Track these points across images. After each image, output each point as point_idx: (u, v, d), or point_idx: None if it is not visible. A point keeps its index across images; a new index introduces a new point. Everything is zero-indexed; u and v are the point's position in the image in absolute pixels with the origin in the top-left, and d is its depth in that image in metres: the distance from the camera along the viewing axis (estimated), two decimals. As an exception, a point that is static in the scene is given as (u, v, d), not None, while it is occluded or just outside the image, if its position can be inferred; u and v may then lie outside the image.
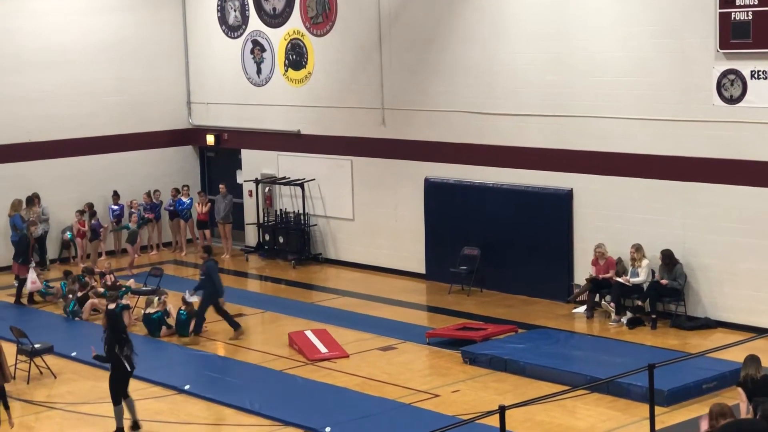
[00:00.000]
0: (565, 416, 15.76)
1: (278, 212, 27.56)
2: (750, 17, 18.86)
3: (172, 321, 20.90)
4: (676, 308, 20.23)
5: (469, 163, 23.39)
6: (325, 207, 26.69)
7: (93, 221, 27.14)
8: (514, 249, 22.72)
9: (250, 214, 28.46)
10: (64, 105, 27.66)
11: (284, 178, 27.31)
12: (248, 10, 27.99)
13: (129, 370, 15.67)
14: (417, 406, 16.41)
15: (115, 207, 28.11)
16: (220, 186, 28.21)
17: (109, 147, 28.47)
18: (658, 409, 13.83)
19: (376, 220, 25.56)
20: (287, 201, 27.40)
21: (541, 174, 22.22)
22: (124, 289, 22.53)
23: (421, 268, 24.56)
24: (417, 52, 24.20)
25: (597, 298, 21.00)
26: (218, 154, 29.84)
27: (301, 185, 26.78)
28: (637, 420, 15.11)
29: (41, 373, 18.63)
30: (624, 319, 20.26)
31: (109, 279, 23.20)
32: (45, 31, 27.42)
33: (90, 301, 22.21)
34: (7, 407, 15.23)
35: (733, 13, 19.01)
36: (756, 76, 18.94)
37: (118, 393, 15.68)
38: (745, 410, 13.29)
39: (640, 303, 20.52)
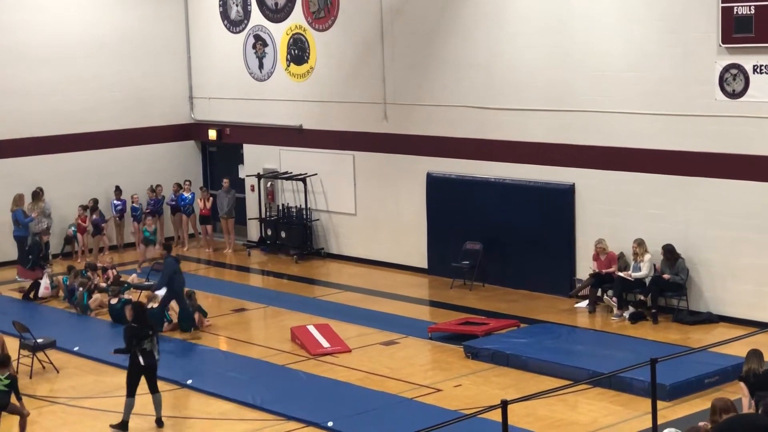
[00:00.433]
0: (567, 411, 15.77)
1: (280, 207, 27.56)
2: (752, 12, 18.85)
3: (174, 316, 20.90)
4: (678, 303, 20.24)
5: (472, 157, 23.39)
6: (327, 202, 26.69)
7: (95, 216, 27.14)
8: (516, 244, 22.72)
9: (252, 209, 28.47)
10: (65, 100, 27.66)
11: (286, 172, 27.31)
12: (250, 5, 27.98)
13: (142, 364, 15.65)
14: (419, 401, 16.43)
15: (118, 202, 28.12)
16: (224, 181, 28.21)
17: (111, 142, 28.48)
18: (660, 404, 13.82)
19: (378, 214, 25.56)
20: (289, 196, 27.40)
21: (543, 169, 22.21)
22: (126, 285, 22.55)
23: (423, 263, 24.57)
24: (419, 47, 24.19)
25: (599, 293, 21.00)
26: (220, 149, 29.84)
27: (303, 180, 26.78)
28: (639, 414, 15.11)
29: (44, 367, 18.65)
30: (626, 314, 20.27)
31: (111, 274, 23.21)
32: (47, 26, 27.41)
33: (95, 296, 22.23)
34: (19, 398, 15.25)
35: (735, 8, 18.99)
36: (758, 70, 18.93)
37: (132, 385, 15.69)
38: (747, 405, 13.30)
39: (642, 298, 20.51)
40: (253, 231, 28.53)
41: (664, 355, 14.41)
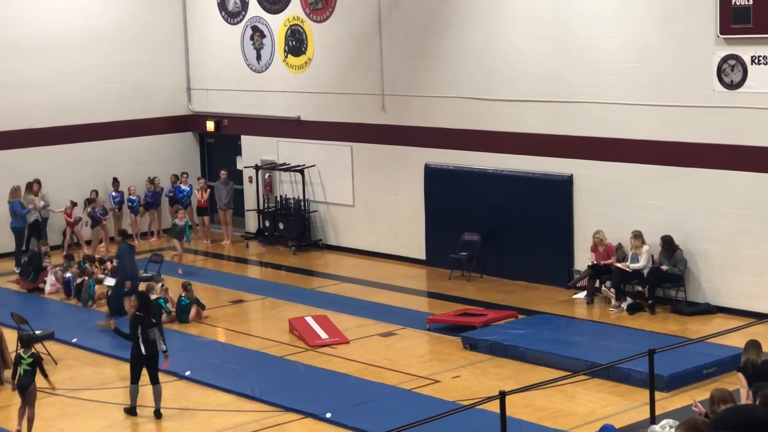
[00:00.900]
0: (566, 402, 15.79)
1: (278, 198, 27.56)
2: (750, 2, 18.83)
3: (172, 307, 20.91)
4: (677, 294, 20.25)
5: (470, 149, 23.39)
6: (326, 193, 26.69)
7: (89, 209, 27.07)
8: (515, 235, 22.73)
9: (250, 201, 28.46)
10: (63, 91, 27.63)
11: (284, 164, 27.30)
12: (248, -4, 27.99)
13: (143, 353, 15.76)
14: (417, 392, 16.44)
15: (115, 194, 28.10)
16: (222, 172, 28.21)
17: (109, 133, 28.46)
18: (658, 395, 13.85)
19: (377, 206, 25.56)
20: (287, 187, 27.39)
21: (541, 160, 22.21)
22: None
23: (421, 254, 24.58)
24: (417, 38, 24.17)
25: (597, 284, 21.02)
26: (218, 140, 29.83)
27: (301, 171, 26.77)
28: (638, 405, 15.13)
29: (42, 359, 18.62)
30: (624, 305, 20.29)
31: (110, 265, 23.19)
32: (44, 17, 27.38)
33: (96, 287, 22.24)
34: (45, 375, 15.59)
35: (733, -1, 19.01)
36: (756, 61, 18.92)
37: (135, 372, 15.86)
38: (745, 395, 13.31)
39: (640, 289, 20.54)
40: (251, 222, 28.53)
41: (662, 345, 14.43)
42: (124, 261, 21.00)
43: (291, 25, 27.00)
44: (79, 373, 18.09)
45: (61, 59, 27.57)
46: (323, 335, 19.31)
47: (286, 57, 27.23)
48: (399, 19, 24.47)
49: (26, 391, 15.21)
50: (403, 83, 24.56)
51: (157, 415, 15.94)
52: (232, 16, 28.47)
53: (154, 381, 15.95)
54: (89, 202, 27.21)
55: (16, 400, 15.72)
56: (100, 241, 27.39)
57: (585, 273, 21.10)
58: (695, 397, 15.18)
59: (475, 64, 23.07)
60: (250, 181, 28.33)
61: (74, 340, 19.62)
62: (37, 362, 15.41)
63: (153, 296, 20.75)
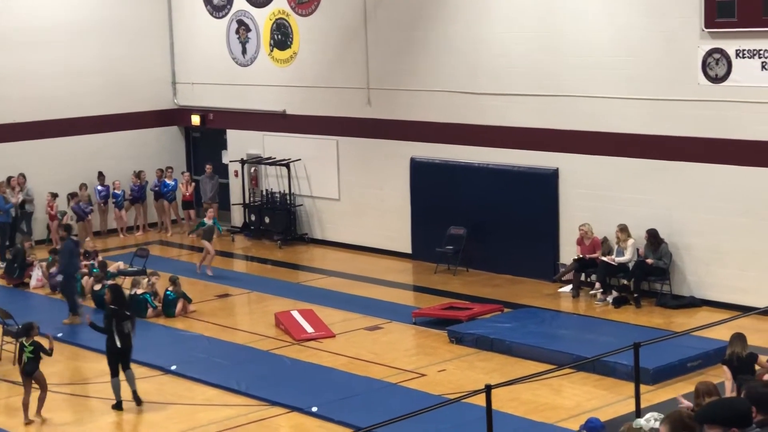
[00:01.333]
0: (551, 395, 15.81)
1: (264, 192, 27.53)
2: (735, -4, 18.87)
3: (158, 302, 20.88)
4: (662, 287, 20.30)
5: (455, 142, 23.39)
6: (311, 187, 26.68)
7: (72, 204, 27.02)
8: (500, 228, 22.75)
9: (235, 195, 28.43)
10: (47, 85, 27.53)
11: (270, 158, 27.27)
12: (233, -10, 27.94)
13: (118, 345, 15.80)
14: (403, 386, 16.44)
15: (101, 188, 28.06)
16: (207, 166, 28.17)
17: (94, 127, 28.38)
18: (643, 388, 13.88)
19: (362, 199, 25.55)
20: (273, 181, 27.37)
21: (526, 153, 22.23)
22: (110, 271, 22.48)
23: (407, 248, 24.58)
24: (402, 32, 24.16)
25: (583, 278, 21.05)
26: (203, 134, 29.78)
27: (287, 165, 26.75)
28: (623, 398, 15.15)
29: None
30: (609, 298, 20.32)
31: (95, 260, 23.15)
32: (28, 11, 27.29)
33: (84, 279, 22.19)
34: (47, 352, 16.01)
35: (718, -8, 19.02)
36: (741, 55, 18.95)
37: (113, 366, 15.95)
38: (730, 388, 13.36)
39: (625, 282, 20.57)
40: (237, 216, 28.50)
41: (647, 339, 14.45)
42: (64, 258, 20.89)
43: (276, 19, 26.96)
44: (64, 367, 18.03)
45: (46, 53, 27.48)
46: (309, 329, 19.30)
47: (272, 51, 27.20)
48: (384, 13, 24.46)
49: (32, 377, 15.63)
50: (389, 77, 24.54)
51: (137, 400, 16.05)
52: (218, 10, 28.42)
53: (126, 367, 16.10)
54: (72, 196, 27.15)
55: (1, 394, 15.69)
56: (85, 235, 27.31)
57: (570, 266, 21.13)
58: (680, 390, 15.23)
59: (460, 58, 23.07)
60: (236, 175, 28.29)
61: (59, 335, 19.54)
62: (38, 349, 15.79)
63: (139, 291, 20.79)
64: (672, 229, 20.17)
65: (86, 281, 22.08)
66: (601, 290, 20.48)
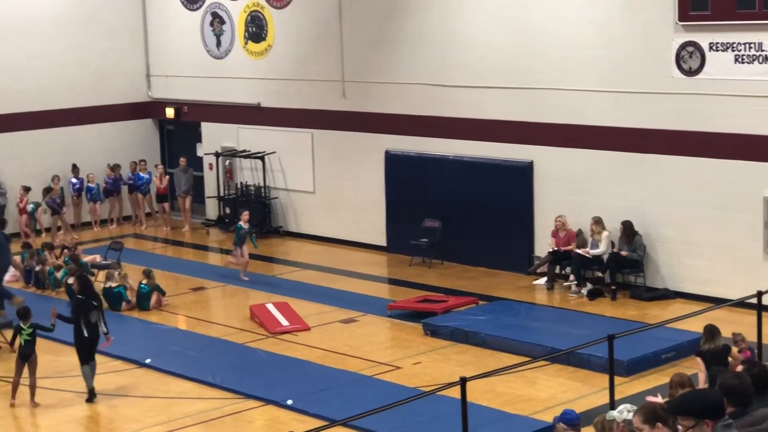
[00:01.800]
0: (526, 387, 15.85)
1: (239, 185, 27.48)
2: (708, -11, 18.94)
3: (132, 295, 20.82)
4: (636, 279, 20.38)
5: (430, 135, 23.40)
6: (286, 180, 26.64)
7: (47, 198, 26.90)
8: (475, 221, 22.77)
9: (210, 188, 28.36)
10: (21, 78, 27.37)
11: (244, 151, 27.22)
12: (207, -18, 27.85)
13: (86, 335, 16.01)
14: (378, 378, 16.46)
15: (75, 180, 27.94)
16: (181, 159, 28.09)
17: (68, 120, 28.25)
18: (617, 380, 13.93)
19: (337, 192, 25.54)
20: (248, 174, 27.32)
21: (501, 146, 22.26)
22: (84, 263, 22.38)
23: (382, 241, 24.59)
24: (377, 25, 24.14)
25: (557, 270, 21.11)
26: (178, 127, 29.69)
27: (262, 158, 26.70)
28: (597, 390, 15.21)
29: (0, 347, 18.53)
30: (584, 291, 20.38)
31: (67, 254, 23.03)
32: (1, 3, 27.11)
33: (56, 274, 22.10)
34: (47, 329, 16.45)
35: (691, -14, 19.09)
36: (714, 48, 19.03)
37: (82, 355, 16.17)
38: (703, 380, 13.43)
39: (600, 274, 20.64)
40: (212, 209, 28.43)
41: (621, 331, 14.51)
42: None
43: (251, 12, 26.89)
44: (38, 361, 17.93)
45: (19, 45, 27.33)
46: (284, 322, 19.29)
47: (246, 43, 27.13)
48: (359, 6, 24.43)
49: (29, 360, 15.91)
50: (364, 70, 24.53)
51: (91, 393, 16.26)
52: (192, 2, 28.32)
53: (91, 359, 16.26)
54: (47, 191, 27.04)
55: None
56: (59, 228, 27.22)
57: (545, 259, 21.18)
58: (654, 382, 15.33)
59: (435, 51, 23.07)
60: (211, 168, 28.23)
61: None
62: (35, 333, 16.12)
63: (113, 284, 20.72)
64: (646, 222, 20.24)
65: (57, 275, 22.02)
66: (576, 282, 20.54)
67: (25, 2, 27.50)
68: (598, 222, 20.43)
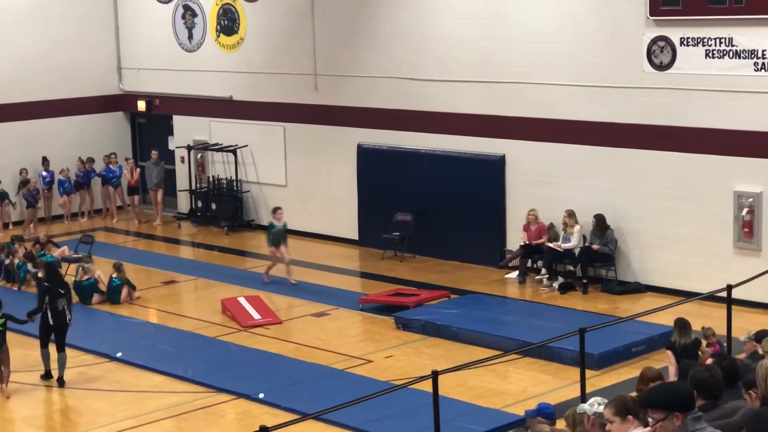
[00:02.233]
0: (498, 380, 15.89)
1: (210, 179, 27.41)
2: (680, -16, 19.01)
3: (103, 286, 20.75)
4: (607, 273, 20.44)
5: (402, 129, 23.41)
6: (258, 173, 26.59)
7: (24, 191, 26.77)
8: (447, 215, 22.79)
9: (182, 181, 28.28)
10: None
11: (216, 144, 27.15)
12: (179, -25, 27.74)
13: (51, 322, 16.13)
14: (350, 372, 16.47)
15: (45, 173, 27.79)
16: (153, 152, 27.98)
17: (38, 113, 28.07)
18: (588, 373, 13.98)
19: (309, 186, 25.51)
20: (219, 167, 27.25)
21: (473, 140, 22.28)
22: (42, 253, 22.18)
23: (354, 235, 24.58)
24: (349, 18, 24.12)
25: (529, 264, 21.16)
26: (149, 120, 29.58)
27: (234, 152, 26.64)
28: (569, 383, 15.25)
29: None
30: (555, 284, 20.44)
31: (38, 248, 22.88)
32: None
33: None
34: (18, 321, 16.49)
35: (663, -20, 19.15)
36: (685, 42, 19.10)
37: (44, 338, 16.37)
38: (673, 373, 13.51)
39: (571, 268, 20.71)
40: (183, 203, 28.35)
41: (592, 324, 14.58)
42: None
43: (223, 5, 26.81)
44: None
45: (-12, 37, 27.19)
46: (256, 316, 19.27)
47: (218, 36, 27.05)
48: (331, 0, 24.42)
49: (0, 350, 15.89)
50: (336, 63, 24.51)
51: (60, 382, 16.29)
52: (163, -5, 28.22)
53: (61, 349, 16.31)
54: (24, 183, 26.90)
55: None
56: (30, 221, 27.07)
57: (517, 253, 21.22)
58: (624, 375, 15.40)
59: (407, 45, 23.07)
60: (182, 162, 28.14)
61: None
62: (5, 323, 16.07)
63: (85, 277, 20.64)
64: (617, 216, 20.31)
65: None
66: (547, 276, 20.59)
67: (-4, -6, 27.35)
68: (571, 215, 20.48)
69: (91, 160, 28.23)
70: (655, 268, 20.02)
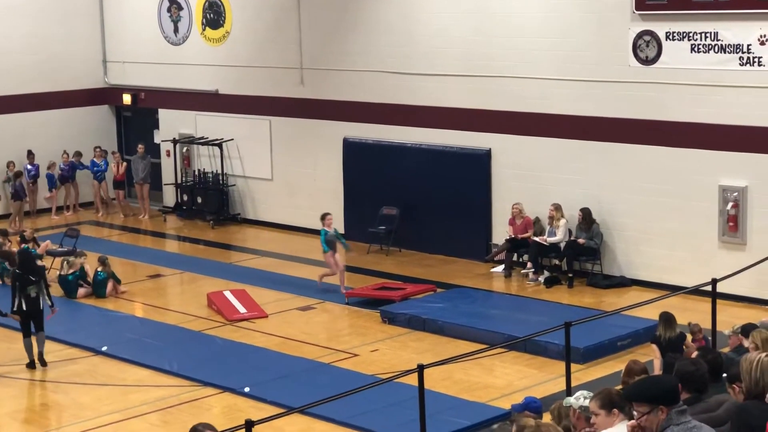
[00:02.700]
0: (483, 374, 15.91)
1: (196, 172, 27.37)
2: (665, -21, 19.03)
3: (89, 280, 20.71)
4: (593, 267, 20.48)
5: (388, 123, 23.40)
6: (244, 167, 26.56)
7: (16, 183, 26.73)
8: (433, 209, 22.80)
9: (168, 175, 28.22)
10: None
11: (202, 138, 27.10)
12: (165, -32, 27.68)
13: (24, 308, 16.47)
14: (336, 366, 16.47)
15: (30, 167, 27.71)
16: (139, 146, 27.92)
17: (23, 106, 27.97)
18: (574, 366, 14.01)
19: (295, 180, 25.49)
20: (205, 161, 27.21)
21: (459, 134, 22.29)
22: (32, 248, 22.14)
23: (340, 228, 24.50)
24: (335, 12, 24.09)
25: (515, 258, 21.18)
26: (135, 113, 29.51)
27: (220, 145, 26.60)
28: (554, 377, 15.29)
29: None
30: (541, 278, 20.46)
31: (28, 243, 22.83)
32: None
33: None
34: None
35: (649, -25, 19.17)
36: (671, 37, 19.14)
37: (25, 327, 16.61)
38: (658, 366, 13.55)
39: (557, 262, 20.73)
40: (169, 196, 28.29)
41: (578, 318, 14.59)
42: None
43: (209, -2, 26.78)
44: (-6, 348, 17.89)
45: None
46: (241, 309, 19.25)
47: (204, 30, 27.00)
48: (318, -7, 24.38)
49: None
50: (322, 57, 24.48)
51: (42, 360, 16.60)
52: (149, -12, 28.14)
53: (39, 329, 16.69)
54: (16, 176, 26.83)
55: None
56: (18, 214, 27.00)
57: (503, 246, 21.24)
58: (610, 369, 15.43)
59: (393, 38, 23.06)
60: (168, 155, 28.08)
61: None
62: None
63: (70, 270, 20.60)
64: (603, 210, 20.35)
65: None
66: (533, 270, 20.62)
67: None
68: (558, 208, 20.49)
69: (79, 154, 28.15)
70: (640, 262, 20.06)
